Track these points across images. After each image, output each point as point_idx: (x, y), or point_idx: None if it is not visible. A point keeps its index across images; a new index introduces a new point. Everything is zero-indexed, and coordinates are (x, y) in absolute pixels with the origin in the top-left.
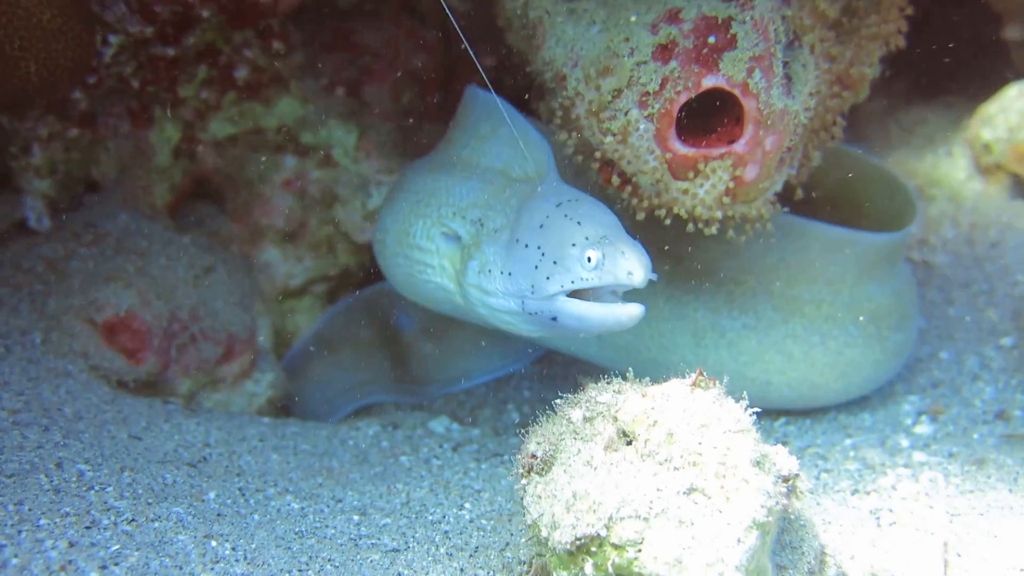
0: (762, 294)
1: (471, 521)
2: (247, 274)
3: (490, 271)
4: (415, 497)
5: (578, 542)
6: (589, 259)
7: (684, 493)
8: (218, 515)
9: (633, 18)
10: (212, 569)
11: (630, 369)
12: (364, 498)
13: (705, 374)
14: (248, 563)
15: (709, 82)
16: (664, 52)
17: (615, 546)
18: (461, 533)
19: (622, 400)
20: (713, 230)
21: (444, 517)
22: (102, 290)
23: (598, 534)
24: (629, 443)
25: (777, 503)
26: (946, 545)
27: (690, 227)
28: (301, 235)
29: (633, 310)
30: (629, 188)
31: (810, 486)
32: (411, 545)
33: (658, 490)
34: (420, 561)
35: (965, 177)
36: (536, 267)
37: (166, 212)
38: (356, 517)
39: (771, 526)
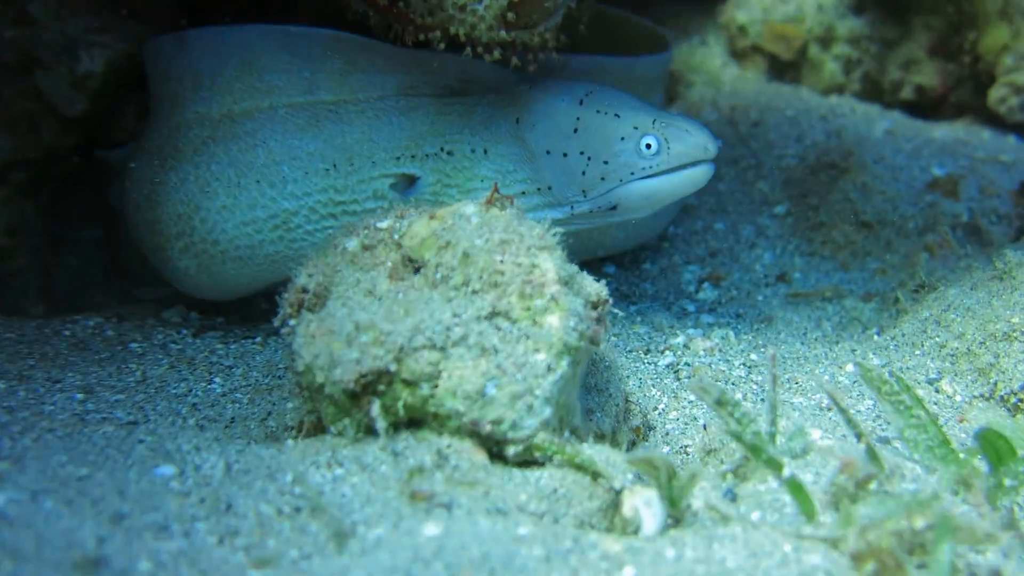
0: None
1: (223, 395)
2: None
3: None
4: (152, 374)
5: (363, 379)
6: (648, 146)
7: (485, 318)
8: None
9: None
10: None
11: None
12: (89, 378)
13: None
14: None
15: None
16: None
17: (407, 383)
18: (213, 405)
19: (406, 224)
20: (496, 55)
21: (191, 391)
22: None
23: (387, 368)
24: (418, 270)
25: (588, 327)
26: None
27: (468, 52)
28: None
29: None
30: (395, 11)
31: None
32: (152, 417)
33: (455, 316)
34: (165, 430)
35: (721, 63)
36: (584, 172)
37: None
38: (80, 395)
39: (582, 354)
